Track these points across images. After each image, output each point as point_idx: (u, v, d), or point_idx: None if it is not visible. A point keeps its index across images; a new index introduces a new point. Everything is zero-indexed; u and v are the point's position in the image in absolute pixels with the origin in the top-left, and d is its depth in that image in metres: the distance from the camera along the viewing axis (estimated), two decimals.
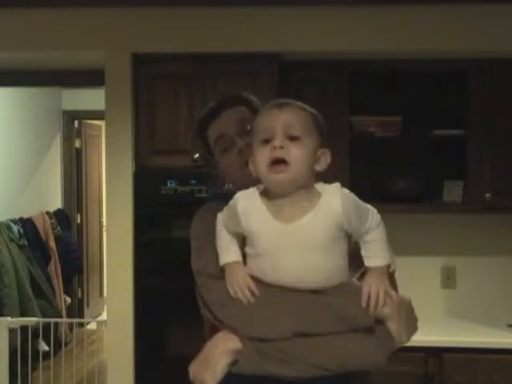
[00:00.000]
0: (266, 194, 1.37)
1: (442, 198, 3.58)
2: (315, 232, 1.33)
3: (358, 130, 3.51)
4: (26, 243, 5.45)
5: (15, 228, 5.36)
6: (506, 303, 3.66)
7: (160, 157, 3.38)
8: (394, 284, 1.49)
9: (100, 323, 5.84)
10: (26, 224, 5.64)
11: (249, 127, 1.54)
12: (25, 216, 5.71)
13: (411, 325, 1.51)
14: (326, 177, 1.43)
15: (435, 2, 3.24)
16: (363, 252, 1.40)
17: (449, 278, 3.74)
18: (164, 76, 3.40)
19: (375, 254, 1.40)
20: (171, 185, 3.35)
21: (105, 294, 6.93)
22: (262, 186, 1.39)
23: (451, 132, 3.48)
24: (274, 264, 1.37)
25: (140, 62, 3.41)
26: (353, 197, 1.38)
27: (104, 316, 6.14)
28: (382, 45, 3.32)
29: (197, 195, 3.32)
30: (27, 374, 4.09)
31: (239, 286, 1.38)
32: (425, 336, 3.22)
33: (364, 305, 1.37)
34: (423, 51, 3.37)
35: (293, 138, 1.33)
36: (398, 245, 4.03)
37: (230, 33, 3.34)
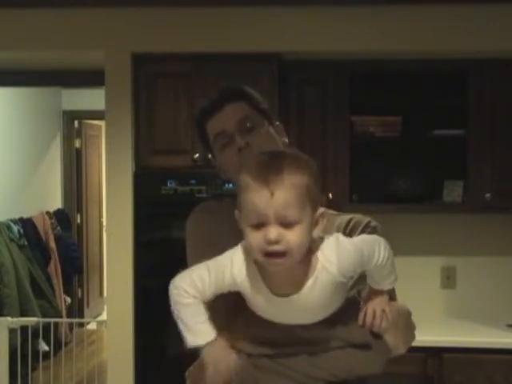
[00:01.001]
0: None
1: (442, 197, 3.58)
2: (313, 301, 1.27)
3: (358, 130, 3.52)
4: (25, 243, 5.46)
5: (15, 228, 5.36)
6: (505, 303, 3.66)
7: (160, 157, 3.39)
8: (392, 294, 1.46)
9: (100, 323, 5.84)
10: (26, 224, 5.64)
11: (249, 125, 1.53)
12: (25, 216, 5.71)
13: (409, 335, 1.50)
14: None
15: (435, 2, 3.24)
16: (368, 274, 1.34)
17: (449, 278, 3.74)
18: (164, 76, 3.40)
19: (380, 280, 1.34)
20: (171, 185, 3.36)
21: (105, 294, 6.93)
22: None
23: (451, 132, 3.48)
24: (270, 320, 1.34)
25: (140, 62, 3.41)
26: (351, 246, 1.27)
27: (104, 316, 6.14)
28: (382, 45, 3.32)
29: (197, 195, 3.32)
30: (27, 374, 4.09)
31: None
32: (425, 336, 3.22)
33: (360, 322, 1.35)
34: (423, 51, 3.37)
35: (288, 226, 1.19)
36: (398, 245, 4.03)
37: (230, 33, 3.34)
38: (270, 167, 1.22)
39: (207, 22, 3.35)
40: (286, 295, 1.26)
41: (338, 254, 1.25)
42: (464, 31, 3.29)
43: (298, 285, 1.26)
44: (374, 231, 1.49)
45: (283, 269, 1.23)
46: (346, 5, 3.28)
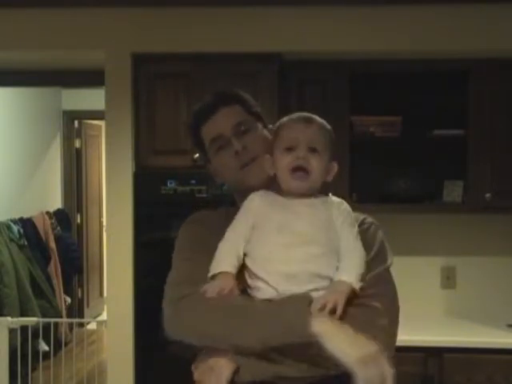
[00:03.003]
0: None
1: (442, 197, 3.58)
2: (318, 212, 1.48)
3: (358, 130, 3.52)
4: (25, 243, 5.46)
5: (15, 228, 5.36)
6: (505, 303, 3.66)
7: (160, 157, 3.38)
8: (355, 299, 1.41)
9: (100, 323, 5.84)
10: (26, 224, 5.64)
11: (244, 128, 1.57)
12: (25, 216, 5.71)
13: (363, 342, 1.33)
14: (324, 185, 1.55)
15: (435, 2, 3.24)
16: (339, 265, 1.45)
17: (449, 278, 3.74)
18: (164, 76, 3.40)
19: (346, 269, 1.43)
20: (171, 185, 3.35)
21: (105, 294, 6.93)
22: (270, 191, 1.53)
23: (451, 132, 3.48)
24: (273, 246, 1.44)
25: (140, 61, 3.41)
26: (351, 212, 1.56)
27: (104, 316, 6.14)
28: (382, 45, 3.32)
29: (197, 195, 3.32)
30: (27, 374, 4.09)
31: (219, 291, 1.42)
32: (425, 336, 3.22)
33: (313, 311, 1.34)
34: (423, 51, 3.36)
35: (313, 151, 1.49)
36: (398, 245, 4.02)
37: (230, 33, 3.34)
38: (304, 115, 1.55)
39: (207, 22, 3.35)
40: (297, 197, 1.49)
41: (344, 203, 1.55)
42: (464, 31, 3.29)
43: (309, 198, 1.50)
44: (370, 227, 1.58)
45: (303, 191, 1.48)
46: (346, 5, 3.28)
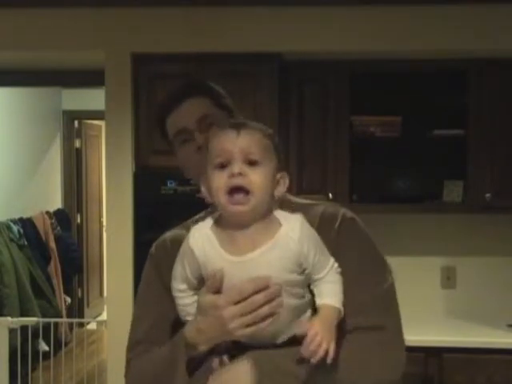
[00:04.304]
0: (220, 222, 1.27)
1: (442, 197, 3.58)
2: (269, 267, 1.20)
3: (357, 130, 3.52)
4: (25, 243, 5.46)
5: (15, 228, 5.36)
6: (506, 303, 3.66)
7: (160, 157, 3.38)
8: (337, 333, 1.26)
9: (100, 323, 5.84)
10: (26, 224, 5.65)
11: (208, 122, 1.46)
12: (25, 216, 5.72)
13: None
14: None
15: (435, 2, 3.24)
16: (315, 291, 1.26)
17: (449, 278, 3.74)
18: (164, 76, 3.39)
19: (329, 293, 1.24)
20: (171, 185, 3.35)
21: (105, 293, 6.93)
22: (217, 214, 1.30)
23: (451, 132, 3.48)
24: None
25: (140, 61, 3.41)
26: (315, 234, 1.27)
27: (104, 316, 6.14)
28: (382, 45, 3.32)
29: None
30: (27, 374, 4.09)
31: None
32: (425, 336, 3.22)
33: (304, 354, 1.19)
34: (423, 51, 3.37)
35: (251, 163, 1.22)
36: (398, 245, 4.05)
37: (230, 33, 3.34)
38: (235, 121, 1.31)
39: (207, 22, 3.35)
40: (242, 254, 1.22)
41: (301, 227, 1.24)
42: (464, 31, 3.28)
43: (257, 247, 1.22)
44: (353, 223, 1.40)
45: (245, 217, 1.22)
46: (346, 5, 3.28)
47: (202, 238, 1.26)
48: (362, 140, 3.52)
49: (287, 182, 1.29)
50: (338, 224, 1.37)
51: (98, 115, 5.37)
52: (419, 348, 3.10)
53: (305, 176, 3.53)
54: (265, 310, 1.18)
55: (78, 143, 7.05)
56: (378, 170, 3.66)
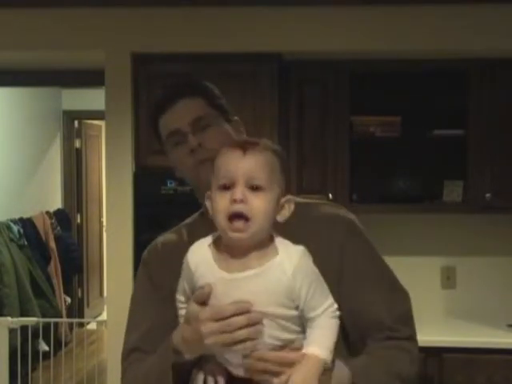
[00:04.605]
0: (219, 240, 1.25)
1: (442, 197, 3.58)
2: (253, 293, 1.18)
3: (357, 130, 3.52)
4: (25, 243, 5.46)
5: (15, 228, 5.36)
6: (506, 303, 3.66)
7: (160, 157, 3.35)
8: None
9: (100, 323, 5.84)
10: (26, 224, 5.65)
11: (203, 123, 1.42)
12: (25, 216, 5.72)
13: None
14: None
15: (435, 2, 3.24)
16: (307, 333, 1.21)
17: (449, 278, 3.74)
18: (164, 76, 3.39)
19: (317, 341, 1.19)
20: (171, 185, 3.35)
21: (105, 293, 6.93)
22: (210, 238, 1.28)
23: (451, 132, 3.48)
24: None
25: (140, 61, 3.41)
26: (314, 269, 1.21)
27: (104, 316, 6.14)
28: (382, 45, 3.32)
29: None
30: (27, 374, 4.09)
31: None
32: (425, 336, 3.21)
33: None
34: (423, 51, 3.37)
35: (255, 189, 1.19)
36: (398, 245, 4.04)
37: (230, 33, 3.34)
38: (246, 140, 1.28)
39: (207, 21, 3.35)
40: (233, 272, 1.20)
41: (299, 260, 1.20)
42: (464, 31, 3.28)
43: (246, 269, 1.20)
44: (354, 227, 1.41)
45: (243, 243, 1.20)
46: (346, 5, 3.28)
47: (199, 253, 1.25)
48: (362, 140, 3.52)
49: (292, 206, 1.26)
50: (343, 226, 1.39)
51: (98, 115, 5.38)
52: (419, 348, 3.09)
53: (305, 176, 3.53)
54: (242, 332, 1.17)
55: (78, 143, 7.05)
56: (378, 169, 3.66)
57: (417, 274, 3.66)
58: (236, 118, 1.50)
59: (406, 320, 1.41)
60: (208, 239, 1.27)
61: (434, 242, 3.73)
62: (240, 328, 1.17)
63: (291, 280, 1.18)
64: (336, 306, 1.23)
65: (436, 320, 3.62)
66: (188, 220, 1.54)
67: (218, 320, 1.18)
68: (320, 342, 1.19)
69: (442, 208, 3.59)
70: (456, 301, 3.73)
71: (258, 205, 1.19)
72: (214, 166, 1.25)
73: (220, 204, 1.20)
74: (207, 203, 1.27)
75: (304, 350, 1.19)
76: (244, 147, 1.22)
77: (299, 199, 1.46)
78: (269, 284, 1.18)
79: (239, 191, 1.18)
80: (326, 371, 1.19)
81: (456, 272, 3.74)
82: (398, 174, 3.63)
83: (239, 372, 1.22)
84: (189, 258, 1.26)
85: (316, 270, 1.22)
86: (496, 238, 3.70)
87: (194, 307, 1.22)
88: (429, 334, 3.26)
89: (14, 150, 5.94)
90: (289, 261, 1.19)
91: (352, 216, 1.43)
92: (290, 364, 1.18)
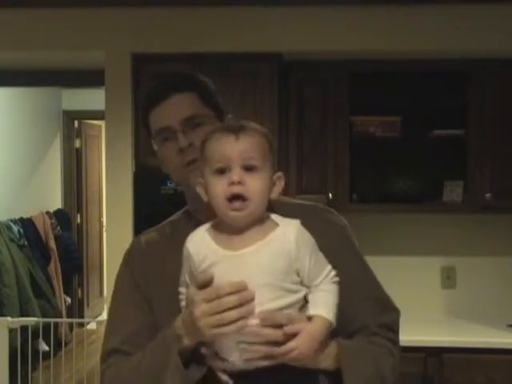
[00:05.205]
0: (217, 225, 1.27)
1: (441, 197, 3.58)
2: (265, 260, 1.20)
3: (358, 130, 3.52)
4: (25, 243, 5.45)
5: (15, 228, 5.36)
6: (506, 303, 3.66)
7: None
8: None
9: (100, 323, 5.83)
10: (26, 224, 5.64)
11: (195, 122, 1.37)
12: (25, 216, 5.71)
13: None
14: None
15: (435, 2, 3.24)
16: (309, 298, 1.24)
17: (449, 278, 3.74)
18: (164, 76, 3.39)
19: (323, 304, 1.22)
20: (171, 185, 3.35)
21: (105, 293, 6.94)
22: (207, 225, 1.29)
23: (451, 132, 3.48)
24: None
25: (140, 61, 3.41)
26: (312, 239, 1.25)
27: (104, 316, 6.14)
28: (382, 45, 3.32)
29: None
30: (27, 374, 4.09)
31: None
32: (425, 336, 3.22)
33: (275, 351, 1.19)
34: (423, 51, 3.37)
35: (250, 169, 1.23)
36: (398, 245, 4.04)
37: (230, 33, 3.34)
38: (234, 123, 1.29)
39: (207, 21, 3.35)
40: (236, 249, 1.22)
41: (298, 231, 1.24)
42: (464, 31, 3.29)
43: (251, 244, 1.23)
44: (345, 231, 1.43)
45: (243, 221, 1.22)
46: (347, 5, 3.28)
47: (198, 238, 1.26)
48: (362, 140, 3.52)
49: (283, 182, 1.29)
50: (334, 227, 1.41)
51: (98, 115, 5.37)
52: (419, 348, 3.10)
53: (305, 176, 3.53)
54: (232, 313, 1.16)
55: (77, 143, 7.05)
56: (378, 169, 3.66)
57: (417, 274, 3.66)
58: (230, 115, 1.46)
59: (392, 327, 1.39)
60: (204, 226, 1.28)
61: (434, 242, 3.73)
62: (231, 308, 1.16)
63: (295, 248, 1.21)
64: (334, 272, 1.26)
65: (436, 320, 3.62)
66: (172, 217, 1.51)
67: (210, 301, 1.17)
68: (326, 304, 1.23)
69: (441, 208, 3.59)
70: (456, 301, 3.72)
71: (254, 185, 1.22)
72: (205, 152, 1.25)
73: (217, 188, 1.23)
74: (199, 190, 1.27)
75: (312, 312, 1.22)
76: (235, 131, 1.24)
77: (287, 199, 1.46)
78: (275, 253, 1.21)
79: (236, 173, 1.21)
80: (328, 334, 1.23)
81: (456, 272, 3.74)
82: (397, 174, 3.63)
83: (236, 360, 1.21)
84: (188, 246, 1.26)
85: (313, 240, 1.25)
86: (496, 238, 3.70)
87: (192, 289, 1.22)
88: (429, 334, 3.27)
89: (14, 150, 5.94)
90: (290, 230, 1.23)
91: (344, 221, 1.44)
92: (295, 331, 1.18)
